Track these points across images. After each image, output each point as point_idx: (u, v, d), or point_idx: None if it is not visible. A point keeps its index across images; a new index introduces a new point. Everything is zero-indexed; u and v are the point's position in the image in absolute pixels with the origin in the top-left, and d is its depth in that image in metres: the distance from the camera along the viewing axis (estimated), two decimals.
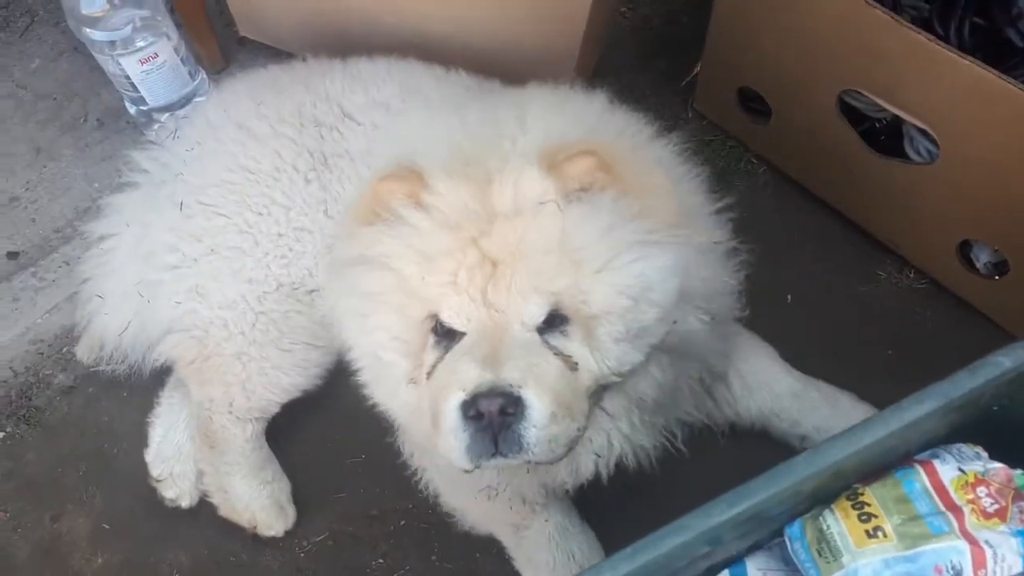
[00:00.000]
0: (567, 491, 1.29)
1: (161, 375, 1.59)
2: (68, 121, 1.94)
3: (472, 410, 0.94)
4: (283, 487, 1.47)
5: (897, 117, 1.38)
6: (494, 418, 0.94)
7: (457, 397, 0.95)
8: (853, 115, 1.46)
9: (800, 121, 1.52)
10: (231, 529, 1.48)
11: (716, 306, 1.16)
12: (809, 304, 1.58)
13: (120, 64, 1.64)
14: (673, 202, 1.04)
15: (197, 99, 1.76)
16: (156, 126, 1.77)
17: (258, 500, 1.45)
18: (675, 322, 1.04)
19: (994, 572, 0.78)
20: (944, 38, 1.32)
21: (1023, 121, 1.19)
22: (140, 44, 1.63)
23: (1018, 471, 0.85)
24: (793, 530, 0.88)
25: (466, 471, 1.00)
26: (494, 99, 1.26)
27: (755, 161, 1.73)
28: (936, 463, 0.86)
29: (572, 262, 0.98)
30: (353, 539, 1.46)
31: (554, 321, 0.98)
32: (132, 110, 1.79)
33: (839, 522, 0.84)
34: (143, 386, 1.60)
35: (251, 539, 1.47)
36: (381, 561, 1.43)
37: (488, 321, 0.98)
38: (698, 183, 1.21)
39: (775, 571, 0.90)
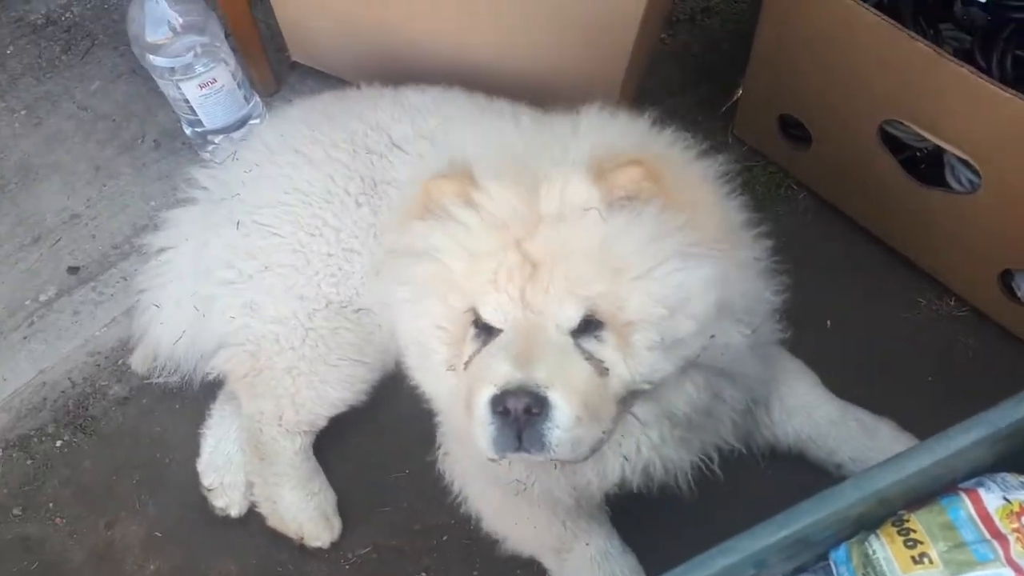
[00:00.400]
0: (601, 504, 1.32)
1: (212, 388, 1.64)
2: (126, 141, 2.00)
3: (500, 406, 0.98)
4: (329, 499, 1.51)
5: (938, 146, 1.40)
6: (520, 415, 0.98)
7: (488, 391, 0.99)
8: (894, 144, 1.47)
9: (841, 149, 1.54)
10: (279, 539, 1.52)
11: (756, 321, 1.16)
12: (848, 331, 1.60)
13: (180, 88, 1.69)
14: (718, 217, 1.08)
15: (251, 121, 1.81)
16: (211, 147, 1.83)
17: (305, 511, 1.49)
18: (713, 336, 1.06)
19: None
20: (986, 70, 1.33)
21: None
22: (200, 70, 1.68)
23: None
24: (839, 554, 0.90)
25: (491, 460, 1.04)
26: (538, 122, 1.29)
27: (795, 187, 1.76)
28: (981, 491, 0.88)
29: (611, 269, 1.01)
30: (397, 552, 1.50)
31: (589, 325, 1.01)
32: (188, 131, 1.84)
33: (885, 547, 0.86)
34: (194, 398, 1.66)
35: (298, 550, 1.51)
36: (423, 575, 1.46)
37: (524, 321, 1.02)
38: (740, 204, 1.23)
39: None
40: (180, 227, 1.65)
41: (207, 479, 1.56)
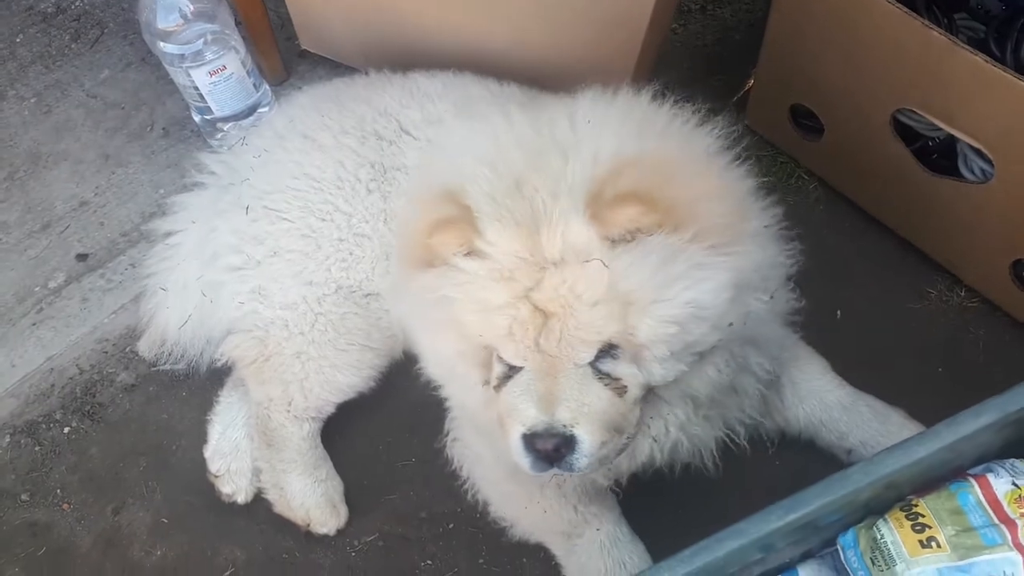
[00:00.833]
0: (617, 492, 1.35)
1: (219, 375, 1.67)
2: (135, 129, 2.02)
3: (531, 445, 1.07)
4: (336, 486, 1.53)
5: (951, 136, 1.40)
6: (550, 453, 1.07)
7: (518, 431, 1.08)
8: (906, 133, 1.48)
9: (853, 138, 1.55)
10: (285, 526, 1.54)
11: (773, 287, 1.20)
12: (859, 320, 1.61)
13: (190, 76, 1.70)
14: (725, 202, 1.08)
15: (261, 109, 1.82)
16: (219, 135, 1.85)
17: (312, 498, 1.51)
18: (731, 324, 1.08)
19: None
20: (1001, 59, 1.34)
21: None
22: (210, 57, 1.69)
23: None
24: (847, 539, 0.91)
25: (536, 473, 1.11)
26: (544, 107, 1.28)
27: (806, 177, 1.77)
28: (990, 477, 0.89)
29: (621, 305, 1.03)
30: (403, 540, 1.52)
31: (604, 351, 1.05)
32: (197, 119, 1.86)
33: (893, 532, 0.86)
34: (201, 385, 1.69)
35: (304, 536, 1.53)
36: (430, 563, 1.48)
37: (543, 361, 1.06)
38: (744, 170, 1.24)
39: (828, 568, 0.93)
40: (188, 211, 1.67)
41: (214, 465, 1.58)
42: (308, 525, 1.52)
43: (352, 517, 1.55)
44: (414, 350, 1.46)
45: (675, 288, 1.03)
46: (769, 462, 1.44)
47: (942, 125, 1.37)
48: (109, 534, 1.60)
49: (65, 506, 1.64)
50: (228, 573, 1.52)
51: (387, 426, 1.62)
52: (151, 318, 1.67)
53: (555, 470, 1.07)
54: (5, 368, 1.74)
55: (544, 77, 1.56)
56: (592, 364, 1.06)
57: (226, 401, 1.63)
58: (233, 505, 1.58)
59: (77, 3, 2.22)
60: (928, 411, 1.43)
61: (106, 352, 1.76)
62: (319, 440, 1.57)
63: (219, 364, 1.63)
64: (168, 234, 1.67)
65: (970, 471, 0.91)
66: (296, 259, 1.51)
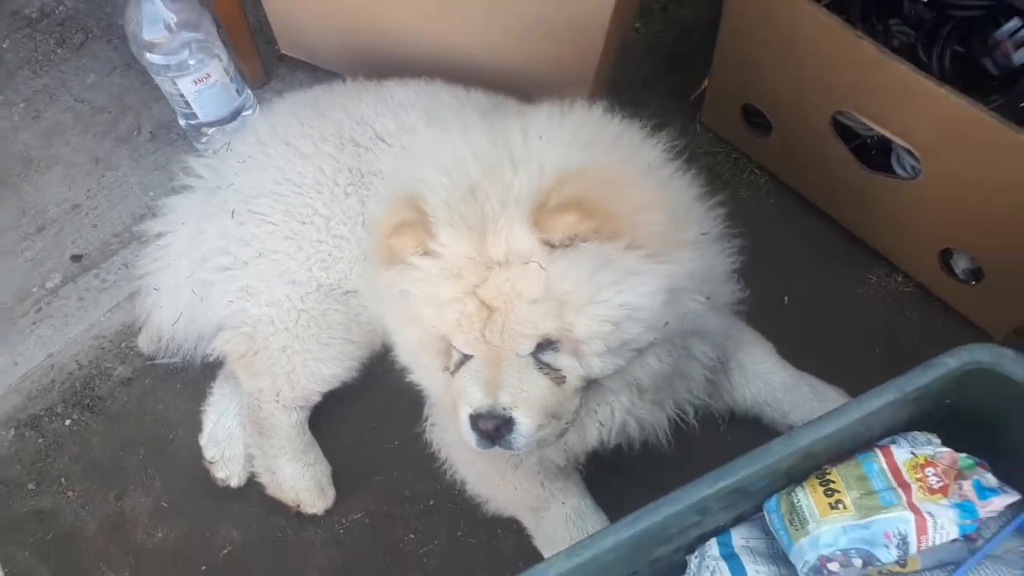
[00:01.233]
0: (581, 470, 1.48)
1: (211, 368, 1.77)
2: (123, 133, 2.10)
3: (476, 425, 1.19)
4: (324, 470, 1.65)
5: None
6: (491, 432, 1.19)
7: (466, 411, 1.20)
8: (846, 132, 1.61)
9: (797, 137, 1.68)
10: (277, 507, 1.65)
11: (712, 288, 1.31)
12: (804, 305, 1.74)
13: (176, 84, 1.80)
14: (661, 213, 1.17)
15: (244, 113, 1.93)
16: (204, 138, 1.95)
17: (302, 481, 1.62)
18: (667, 323, 1.20)
19: (933, 538, 0.94)
20: (927, 65, 1.46)
21: (993, 144, 1.33)
22: (194, 66, 1.78)
23: (962, 455, 1.01)
24: (771, 504, 1.04)
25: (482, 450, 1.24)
26: (505, 119, 1.38)
27: (758, 172, 1.89)
28: (893, 447, 1.03)
29: (557, 304, 1.14)
30: (387, 517, 1.63)
31: (544, 344, 1.17)
32: (183, 123, 1.96)
33: (808, 496, 1.00)
34: (195, 378, 1.78)
35: (295, 516, 1.64)
36: (412, 537, 1.60)
37: (488, 350, 1.18)
38: (688, 179, 1.36)
39: (756, 539, 1.07)
40: (177, 213, 1.77)
41: (209, 452, 1.68)
42: (299, 506, 1.62)
43: (339, 497, 1.65)
44: (390, 342, 1.60)
45: (609, 291, 1.14)
46: (720, 438, 1.57)
47: (875, 127, 1.49)
48: (113, 519, 1.70)
49: (70, 494, 1.73)
50: (225, 552, 1.63)
51: (370, 413, 1.73)
52: (147, 316, 1.76)
53: (497, 448, 1.19)
54: (8, 365, 1.83)
55: (510, 82, 1.68)
56: (534, 355, 1.17)
57: (219, 392, 1.73)
58: (228, 489, 1.68)
59: (61, 8, 2.30)
60: (867, 389, 1.58)
61: (103, 348, 1.85)
62: (307, 427, 1.67)
63: (211, 358, 1.72)
64: (159, 235, 1.77)
65: (878, 443, 1.05)
66: (280, 260, 1.60)
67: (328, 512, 1.64)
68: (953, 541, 0.98)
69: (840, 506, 0.97)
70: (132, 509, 1.70)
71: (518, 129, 1.25)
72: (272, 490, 1.64)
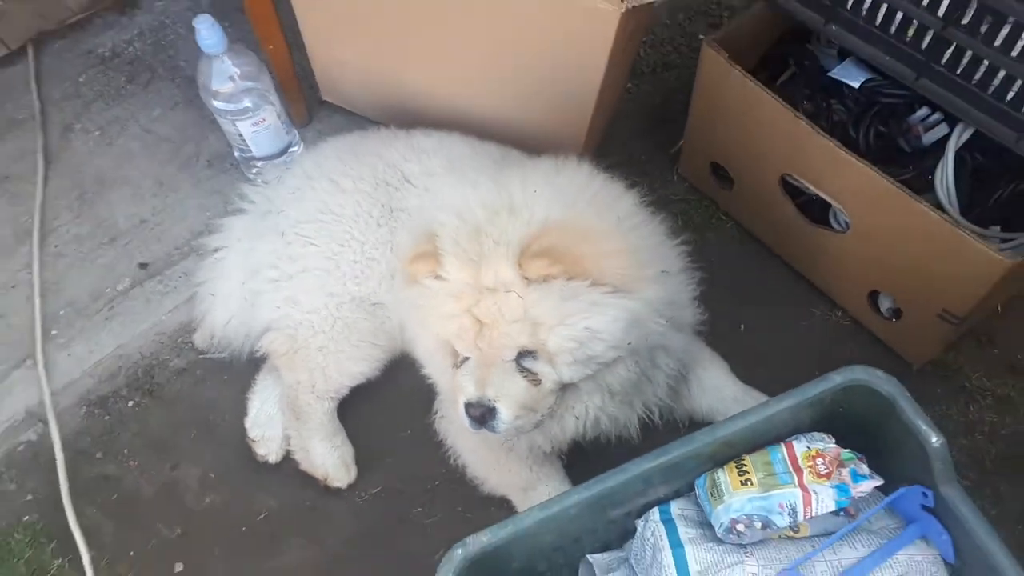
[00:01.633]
0: (562, 457, 1.77)
1: (254, 363, 2.01)
2: (184, 160, 2.39)
3: (467, 412, 1.49)
4: (349, 451, 1.92)
5: None
6: (478, 417, 1.49)
7: (462, 399, 1.49)
8: (795, 189, 1.91)
9: (754, 192, 2.01)
10: (308, 481, 1.90)
11: (673, 313, 1.59)
12: (758, 332, 2.02)
13: (236, 125, 2.10)
14: (624, 259, 1.45)
15: (291, 149, 2.23)
16: (255, 170, 2.24)
17: (330, 459, 1.88)
18: (630, 343, 1.48)
19: (816, 510, 1.26)
20: (855, 139, 1.81)
21: (901, 207, 1.65)
22: (252, 111, 2.07)
23: (846, 450, 1.32)
24: (700, 481, 1.36)
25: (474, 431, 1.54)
26: (507, 170, 1.68)
27: (723, 218, 2.20)
28: (794, 442, 1.35)
29: (532, 324, 1.42)
30: (399, 493, 1.90)
31: (525, 353, 1.46)
32: (237, 155, 2.25)
33: (725, 475, 1.32)
34: (240, 371, 2.04)
35: (322, 489, 1.90)
36: (419, 510, 1.86)
37: (480, 355, 1.49)
38: (655, 224, 1.65)
39: (688, 510, 1.38)
40: (232, 232, 2.04)
41: (252, 433, 1.95)
42: (326, 480, 1.89)
43: (360, 475, 1.91)
44: (409, 348, 1.92)
45: (575, 317, 1.42)
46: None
47: (812, 188, 1.83)
48: (168, 486, 1.96)
49: (131, 463, 1.99)
50: (262, 516, 1.90)
51: (389, 406, 1.99)
52: (203, 317, 2.05)
53: (484, 430, 1.50)
54: (84, 353, 2.10)
55: (516, 138, 1.98)
56: (516, 361, 1.46)
57: (262, 383, 1.99)
58: (266, 464, 1.94)
59: (130, 49, 2.61)
60: None
61: (163, 343, 2.13)
62: (336, 415, 1.93)
63: (256, 354, 1.99)
64: (216, 249, 2.05)
65: (785, 439, 1.37)
66: (321, 275, 1.89)
67: (350, 487, 1.91)
68: (834, 514, 1.31)
69: (748, 483, 1.29)
70: (184, 478, 1.97)
71: (518, 183, 1.53)
72: (304, 466, 1.91)
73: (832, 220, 1.89)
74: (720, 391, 1.84)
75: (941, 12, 1.59)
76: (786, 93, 1.88)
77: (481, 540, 1.26)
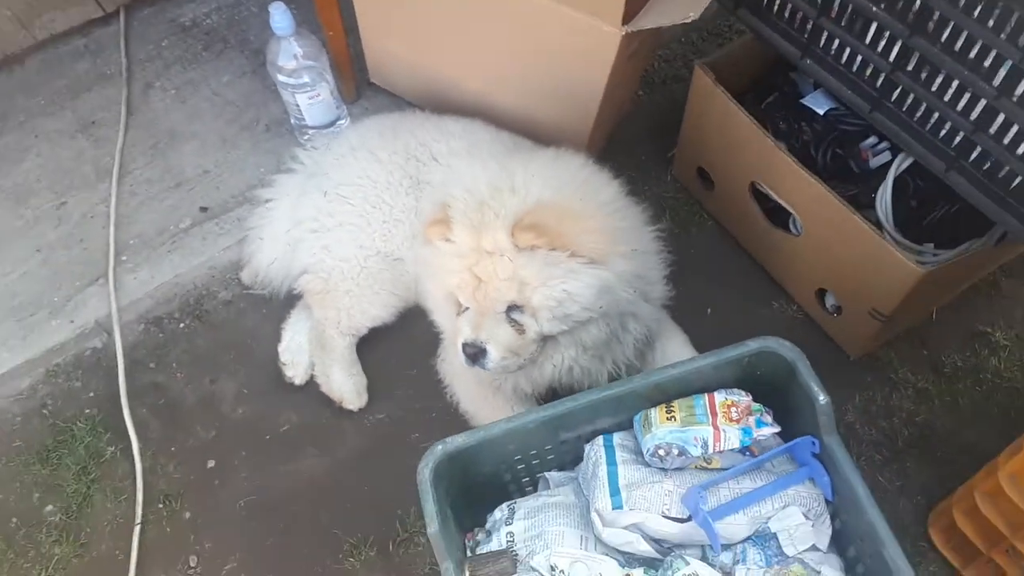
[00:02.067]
0: (539, 400, 2.07)
1: (290, 300, 2.35)
2: (246, 123, 2.71)
3: (463, 350, 1.81)
4: (362, 381, 2.25)
5: None
6: (471, 354, 1.80)
7: (460, 340, 1.81)
8: (762, 195, 2.25)
9: (729, 195, 2.37)
10: (325, 402, 2.22)
11: (643, 287, 1.88)
12: (722, 317, 2.32)
13: (295, 97, 2.43)
14: (600, 236, 1.73)
15: (339, 122, 2.59)
16: (306, 136, 2.59)
17: (346, 385, 2.22)
18: (601, 307, 1.79)
19: (724, 445, 1.61)
20: (814, 159, 2.16)
21: (842, 219, 1.99)
22: (309, 85, 2.41)
23: (756, 404, 1.68)
24: (637, 417, 1.72)
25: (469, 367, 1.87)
26: (515, 156, 2.01)
27: (706, 216, 2.53)
28: (716, 394, 1.70)
29: (520, 283, 1.72)
30: (401, 420, 2.21)
31: (514, 306, 1.76)
32: (293, 122, 2.60)
33: (656, 413, 1.68)
34: (277, 306, 2.38)
35: (337, 410, 2.22)
36: (417, 435, 2.17)
37: (478, 306, 1.78)
38: (634, 211, 1.95)
39: (626, 441, 1.72)
40: (282, 187, 2.39)
41: (283, 357, 2.28)
42: (341, 403, 2.21)
43: (370, 402, 2.23)
44: (421, 299, 2.29)
45: (555, 280, 1.71)
46: None
47: (774, 196, 2.18)
48: (207, 396, 2.30)
49: (178, 375, 2.33)
50: (284, 428, 2.24)
51: (400, 348, 2.31)
52: (251, 257, 2.40)
53: (476, 367, 1.80)
54: (147, 278, 2.45)
55: (528, 130, 2.33)
56: (506, 313, 1.76)
57: (295, 317, 2.32)
58: (292, 385, 2.27)
59: (207, 21, 3.00)
60: None
61: (214, 276, 2.47)
62: (355, 349, 2.26)
63: (293, 293, 2.33)
64: (267, 201, 2.40)
65: (711, 391, 1.73)
66: (354, 230, 2.21)
67: (360, 411, 2.23)
68: (740, 452, 1.68)
69: (672, 419, 1.65)
70: (221, 391, 2.30)
71: (521, 167, 1.83)
72: (324, 389, 2.23)
73: (791, 225, 2.24)
74: (678, 359, 2.19)
75: (891, 58, 1.92)
76: (768, 113, 2.25)
77: (458, 440, 1.64)
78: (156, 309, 2.47)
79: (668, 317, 2.19)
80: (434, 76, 2.53)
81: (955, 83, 1.82)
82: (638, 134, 2.71)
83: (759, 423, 1.65)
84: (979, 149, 1.85)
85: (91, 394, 2.35)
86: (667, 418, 1.67)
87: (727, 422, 1.65)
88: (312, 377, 2.31)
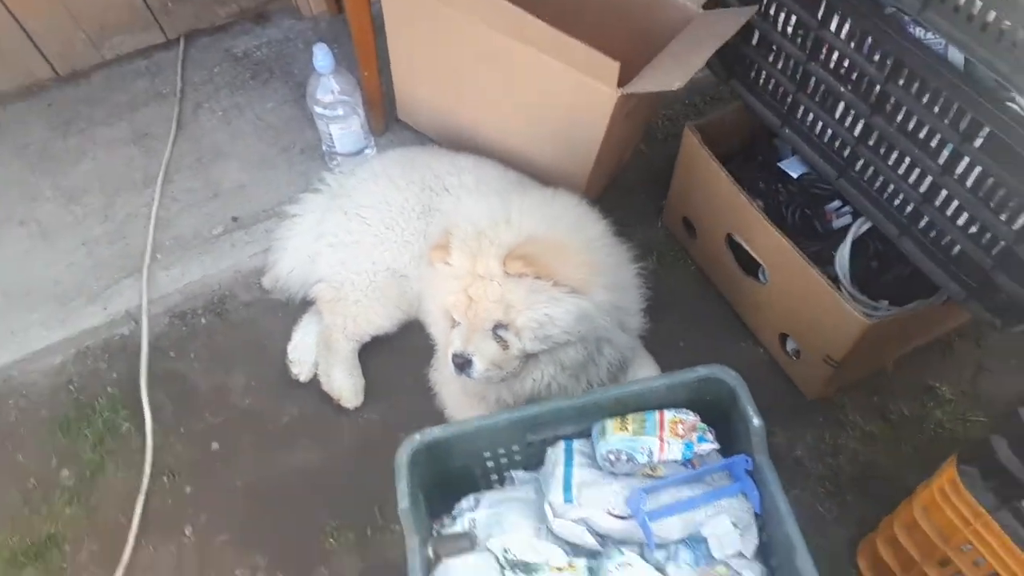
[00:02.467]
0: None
1: (303, 306, 2.56)
2: (283, 146, 2.97)
3: (453, 360, 1.96)
4: (361, 383, 2.44)
5: None
6: (459, 364, 1.95)
7: (451, 351, 1.95)
8: (737, 245, 2.48)
9: (709, 244, 2.62)
10: (325, 399, 2.41)
11: (621, 317, 2.04)
12: (694, 352, 2.48)
13: (328, 127, 2.67)
14: (583, 270, 1.89)
15: (366, 151, 2.82)
16: (335, 162, 2.81)
17: (346, 385, 2.41)
18: (580, 331, 1.92)
19: (667, 455, 1.84)
20: (784, 216, 2.42)
21: (802, 272, 2.24)
22: (342, 117, 2.66)
23: (702, 424, 1.91)
24: (595, 427, 1.96)
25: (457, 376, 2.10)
26: (517, 192, 2.19)
27: (689, 261, 2.72)
28: (666, 412, 1.92)
29: (506, 306, 1.87)
30: (392, 422, 2.40)
31: (500, 325, 1.90)
32: (324, 149, 2.83)
33: (612, 424, 1.90)
34: (292, 310, 2.59)
35: (336, 408, 2.41)
36: (404, 435, 2.12)
37: (469, 323, 1.92)
38: (619, 249, 2.13)
39: (586, 448, 1.93)
40: (308, 204, 2.61)
41: (291, 355, 2.49)
42: (339, 401, 2.40)
43: (365, 402, 2.42)
44: (421, 314, 2.53)
45: (538, 306, 1.87)
46: None
47: (747, 247, 2.44)
48: (219, 385, 2.51)
49: (195, 365, 2.55)
50: (286, 420, 2.44)
51: (398, 357, 2.49)
52: (273, 265, 2.61)
53: (463, 376, 1.95)
54: (178, 276, 2.69)
55: (532, 171, 2.58)
56: (493, 330, 1.91)
57: (306, 320, 2.52)
58: (297, 381, 2.47)
59: (257, 53, 3.34)
60: None
61: (237, 279, 2.70)
62: (357, 355, 2.45)
63: (307, 299, 2.55)
64: (293, 215, 2.62)
65: (663, 408, 1.97)
66: (368, 247, 2.42)
67: (356, 409, 2.42)
68: (683, 464, 1.90)
69: (625, 429, 1.88)
70: (232, 382, 2.52)
71: (518, 203, 1.99)
72: (325, 387, 2.42)
73: (760, 274, 2.49)
74: None
75: (856, 133, 2.19)
76: (752, 173, 2.52)
77: (435, 432, 1.88)
78: (182, 304, 2.71)
79: (642, 346, 2.41)
80: (453, 118, 2.77)
81: (907, 159, 2.07)
82: (637, 183, 2.93)
83: (700, 439, 1.88)
84: (926, 219, 2.09)
85: (114, 375, 2.60)
86: (620, 428, 1.90)
87: (672, 436, 1.89)
88: (315, 376, 2.51)
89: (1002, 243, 1.89)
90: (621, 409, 1.96)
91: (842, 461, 2.39)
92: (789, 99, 2.33)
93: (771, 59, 2.33)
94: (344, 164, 2.83)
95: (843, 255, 2.29)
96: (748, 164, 2.55)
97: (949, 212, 2.02)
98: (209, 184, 2.95)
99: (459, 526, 1.92)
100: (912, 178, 2.08)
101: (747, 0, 2.30)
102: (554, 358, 2.06)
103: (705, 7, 2.48)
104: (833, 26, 2.09)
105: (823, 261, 2.29)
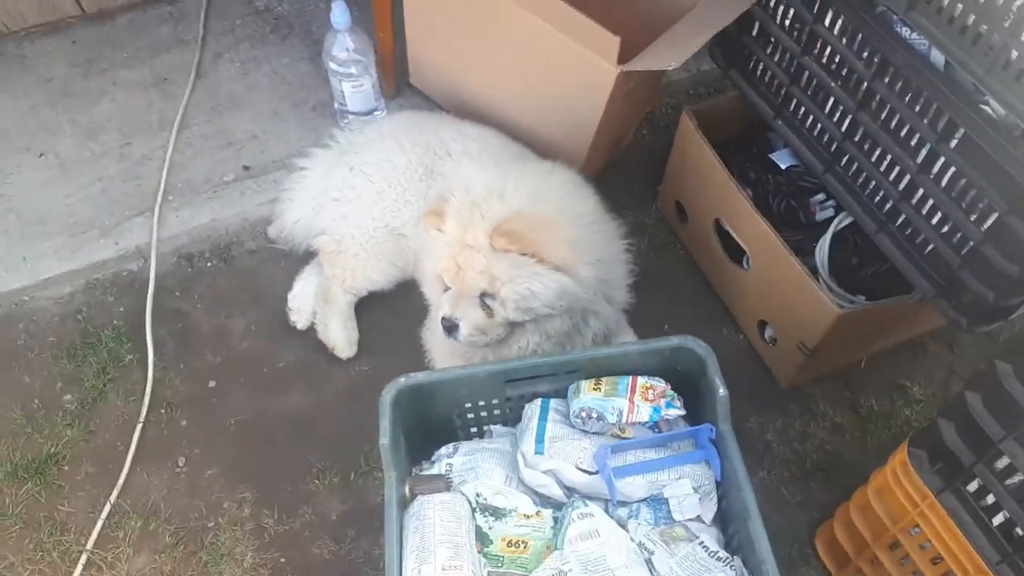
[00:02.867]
0: None
1: (305, 257, 2.70)
2: (296, 101, 3.10)
3: (441, 323, 2.13)
4: (355, 335, 2.60)
5: None
6: (447, 327, 2.11)
7: (440, 314, 2.11)
8: (725, 232, 2.64)
9: (698, 228, 2.77)
10: (320, 347, 2.57)
11: (606, 291, 2.18)
12: (675, 333, 2.49)
13: (341, 84, 2.79)
14: (566, 247, 2.00)
15: (376, 112, 2.95)
16: (345, 120, 2.95)
17: (340, 335, 2.56)
18: (562, 305, 2.08)
19: (636, 416, 1.99)
20: (769, 206, 2.56)
21: (782, 259, 2.39)
22: (355, 75, 2.78)
23: (671, 391, 2.06)
24: (571, 386, 2.11)
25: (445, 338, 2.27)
26: (516, 165, 2.31)
27: (679, 246, 2.87)
28: (639, 377, 2.07)
29: (491, 276, 2.00)
30: (382, 373, 2.46)
31: (486, 293, 2.04)
32: (336, 106, 2.96)
33: (586, 384, 2.05)
34: (294, 260, 2.74)
35: (329, 356, 2.57)
36: None
37: (458, 289, 2.07)
38: (608, 225, 2.25)
39: (560, 406, 2.10)
40: (317, 159, 2.72)
41: (291, 304, 2.64)
42: (333, 350, 2.56)
43: (358, 354, 2.57)
44: (417, 274, 2.69)
45: (520, 279, 2.00)
46: None
47: (733, 233, 2.58)
48: (220, 327, 2.67)
49: (198, 306, 2.71)
50: (281, 364, 2.60)
51: (392, 313, 2.64)
52: (279, 215, 2.76)
53: (450, 339, 2.11)
54: (187, 217, 2.83)
55: (534, 143, 2.72)
56: (480, 297, 2.06)
57: (308, 271, 2.67)
58: (295, 328, 2.62)
59: (278, 8, 3.46)
60: None
61: (244, 227, 2.85)
62: (353, 308, 2.60)
63: (310, 250, 2.69)
64: (302, 168, 2.73)
65: (636, 375, 2.12)
66: (369, 204, 2.52)
67: (349, 360, 2.58)
68: (650, 428, 2.06)
69: (597, 390, 2.03)
70: (233, 325, 2.68)
71: (514, 177, 2.10)
72: (321, 336, 2.59)
73: (744, 262, 2.63)
74: None
75: (843, 128, 2.32)
76: (744, 163, 2.65)
77: (419, 376, 2.03)
78: (190, 246, 2.86)
79: (626, 321, 2.56)
80: (462, 86, 2.90)
81: (888, 157, 2.21)
82: (636, 166, 3.07)
83: (669, 405, 2.03)
84: (903, 216, 2.23)
85: (121, 309, 2.75)
86: (594, 388, 2.06)
87: (642, 400, 2.04)
88: (312, 325, 2.67)
89: (971, 243, 2.02)
90: (596, 371, 2.11)
91: (809, 448, 2.54)
92: (783, 91, 2.46)
93: (768, 51, 2.45)
94: (354, 123, 2.95)
95: (823, 246, 2.43)
96: (741, 153, 2.68)
97: (924, 210, 2.16)
98: (223, 132, 3.07)
99: (436, 469, 2.08)
100: (892, 175, 2.21)
101: None
102: (540, 327, 2.20)
103: None
104: (827, 21, 2.22)
105: (804, 252, 2.43)
